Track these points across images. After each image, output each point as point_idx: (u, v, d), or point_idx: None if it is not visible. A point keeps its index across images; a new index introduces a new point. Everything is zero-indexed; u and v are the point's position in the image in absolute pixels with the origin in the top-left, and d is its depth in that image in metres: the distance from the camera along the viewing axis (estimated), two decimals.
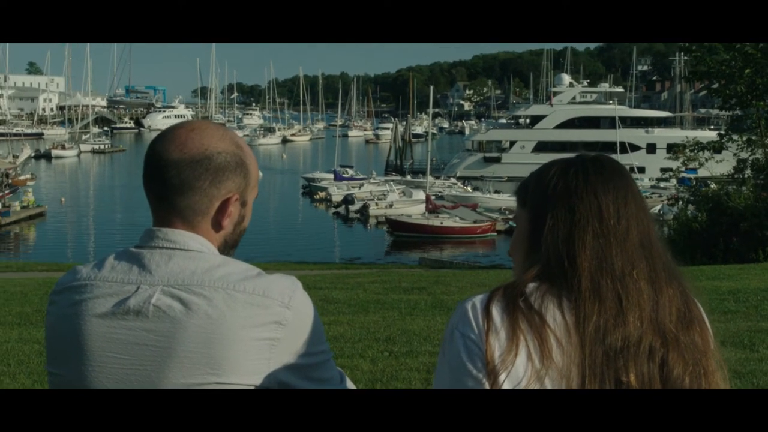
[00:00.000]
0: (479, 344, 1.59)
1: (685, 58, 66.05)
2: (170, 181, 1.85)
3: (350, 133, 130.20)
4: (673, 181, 27.93)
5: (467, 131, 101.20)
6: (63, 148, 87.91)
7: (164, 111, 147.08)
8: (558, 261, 1.67)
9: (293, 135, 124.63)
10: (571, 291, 1.63)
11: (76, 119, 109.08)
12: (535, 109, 75.69)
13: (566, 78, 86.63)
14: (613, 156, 1.92)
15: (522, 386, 1.56)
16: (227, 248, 1.93)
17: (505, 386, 1.56)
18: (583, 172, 1.73)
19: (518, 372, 1.56)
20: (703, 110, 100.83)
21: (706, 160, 24.01)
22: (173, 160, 1.84)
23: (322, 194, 54.73)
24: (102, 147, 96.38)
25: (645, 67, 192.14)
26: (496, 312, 1.61)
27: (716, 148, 24.31)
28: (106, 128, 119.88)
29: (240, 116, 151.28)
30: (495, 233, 40.54)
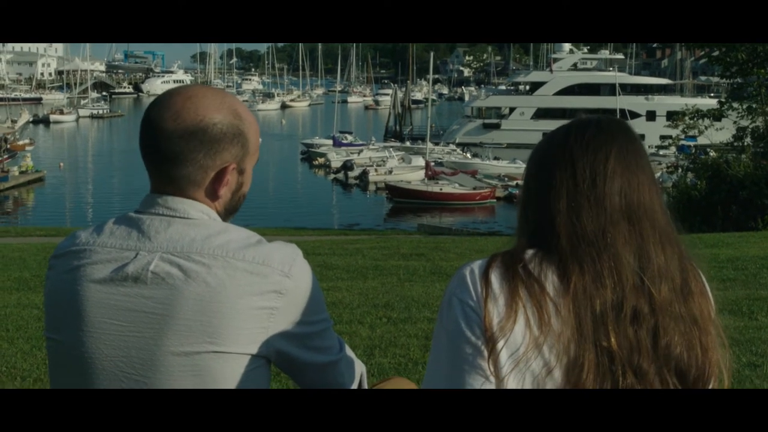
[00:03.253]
0: (477, 311, 1.58)
1: None
2: (164, 152, 1.81)
3: (349, 99, 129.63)
4: (673, 148, 27.86)
5: (467, 98, 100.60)
6: (61, 113, 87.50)
7: (163, 76, 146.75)
8: (541, 226, 1.66)
9: (292, 101, 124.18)
10: (555, 255, 1.62)
11: (75, 84, 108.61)
12: (535, 76, 75.31)
13: (566, 45, 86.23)
14: None
15: (520, 353, 1.54)
16: (226, 214, 1.91)
17: (503, 353, 1.55)
18: (564, 136, 1.72)
19: (516, 339, 1.55)
20: (703, 78, 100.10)
21: (706, 127, 24.00)
22: (167, 130, 1.80)
23: (321, 160, 54.54)
24: (100, 112, 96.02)
25: None
26: (494, 278, 1.59)
27: (716, 115, 24.29)
28: (104, 93, 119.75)
29: (239, 81, 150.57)
30: (494, 200, 40.49)
